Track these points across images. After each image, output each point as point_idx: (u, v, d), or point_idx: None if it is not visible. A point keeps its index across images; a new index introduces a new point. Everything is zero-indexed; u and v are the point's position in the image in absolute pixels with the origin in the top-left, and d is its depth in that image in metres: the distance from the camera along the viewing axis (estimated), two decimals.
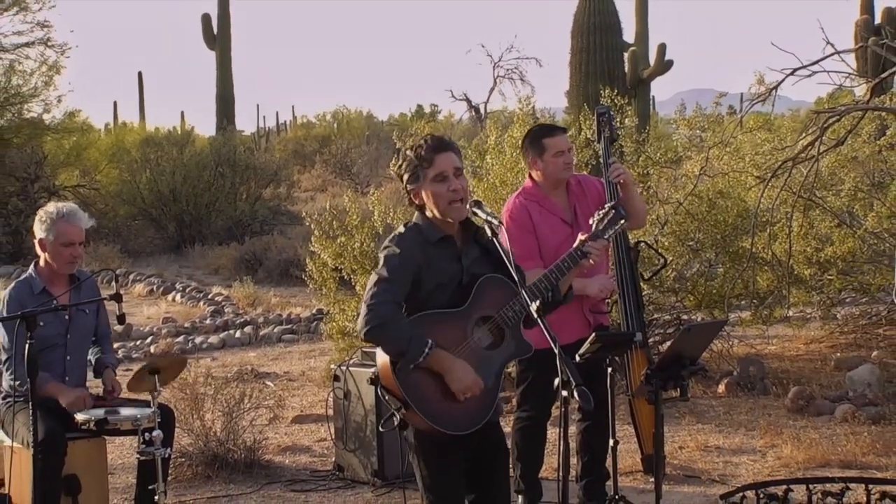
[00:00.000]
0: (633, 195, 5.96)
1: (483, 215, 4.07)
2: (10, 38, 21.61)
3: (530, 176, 5.96)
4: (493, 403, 4.11)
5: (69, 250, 5.58)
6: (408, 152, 4.16)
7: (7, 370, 5.56)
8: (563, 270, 4.18)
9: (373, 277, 4.05)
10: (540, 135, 5.91)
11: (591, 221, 4.27)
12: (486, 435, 4.14)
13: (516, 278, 4.01)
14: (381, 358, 4.06)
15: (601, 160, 6.14)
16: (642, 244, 6.52)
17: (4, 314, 5.41)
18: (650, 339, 8.85)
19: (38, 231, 5.62)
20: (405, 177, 4.15)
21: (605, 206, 4.38)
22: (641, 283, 6.46)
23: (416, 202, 4.16)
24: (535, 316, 3.90)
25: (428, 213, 4.15)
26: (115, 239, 20.62)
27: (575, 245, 4.25)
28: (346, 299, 9.24)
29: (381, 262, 4.07)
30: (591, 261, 4.26)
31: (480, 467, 4.20)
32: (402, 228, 4.19)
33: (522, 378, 5.85)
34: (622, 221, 4.25)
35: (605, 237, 4.25)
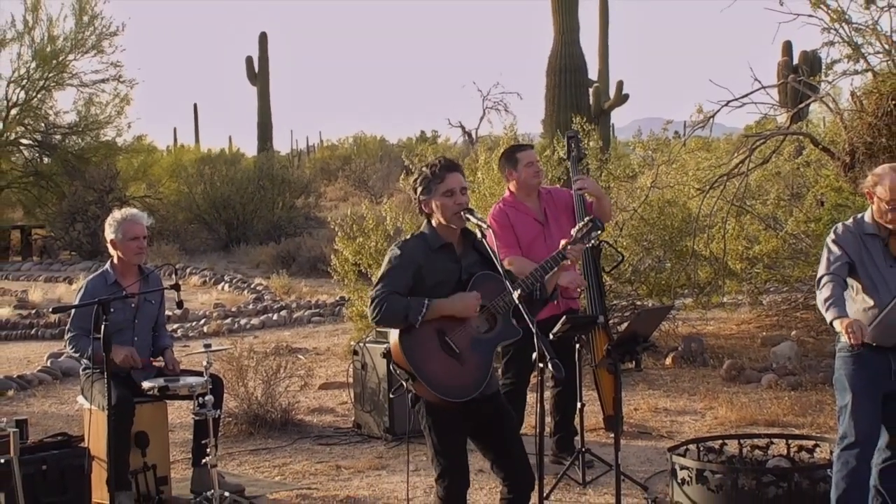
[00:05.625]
0: (602, 203, 5.97)
1: (474, 220, 4.05)
2: (89, 75, 21.90)
3: (508, 188, 6.05)
4: (487, 376, 4.04)
5: (135, 243, 5.58)
6: (423, 169, 4.11)
7: (70, 345, 5.54)
8: (547, 269, 4.10)
9: (377, 275, 4.03)
10: (512, 151, 6.06)
11: (572, 231, 4.21)
12: (488, 406, 4.04)
13: (502, 273, 3.98)
14: (393, 339, 4.01)
15: (570, 175, 6.17)
16: (604, 243, 6.51)
17: (80, 302, 5.43)
18: (610, 321, 8.85)
19: (109, 234, 5.62)
20: (419, 189, 4.08)
21: (585, 218, 4.31)
22: (603, 275, 6.47)
23: (426, 211, 4.10)
24: (517, 303, 3.88)
25: (434, 222, 4.09)
26: (175, 239, 20.56)
27: (558, 249, 4.19)
28: (363, 288, 9.21)
29: (385, 262, 4.05)
30: (569, 261, 4.21)
31: (492, 433, 4.08)
32: (408, 236, 4.16)
33: (504, 352, 5.85)
34: (598, 232, 4.21)
35: (585, 243, 4.20)
